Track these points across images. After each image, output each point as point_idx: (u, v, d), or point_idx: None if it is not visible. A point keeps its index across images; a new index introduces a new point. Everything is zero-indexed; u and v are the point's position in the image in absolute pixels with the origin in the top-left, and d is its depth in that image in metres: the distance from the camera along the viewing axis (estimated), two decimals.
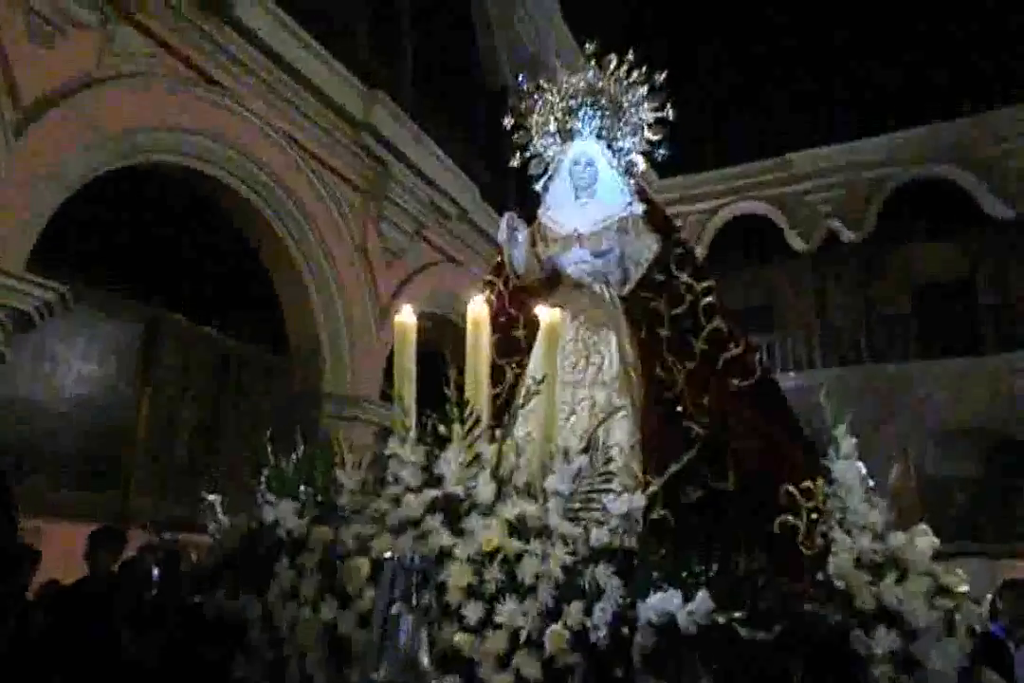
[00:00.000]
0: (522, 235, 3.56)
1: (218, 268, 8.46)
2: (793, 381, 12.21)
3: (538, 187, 3.96)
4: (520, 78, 4.32)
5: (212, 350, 8.96)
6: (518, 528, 2.12)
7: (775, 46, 13.34)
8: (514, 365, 3.63)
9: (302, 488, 2.61)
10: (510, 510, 2.15)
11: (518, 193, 9.08)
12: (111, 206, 6.85)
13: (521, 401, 2.56)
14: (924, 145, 13.27)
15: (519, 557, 2.04)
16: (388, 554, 1.83)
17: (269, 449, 2.84)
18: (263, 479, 2.74)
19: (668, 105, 3.77)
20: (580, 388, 3.32)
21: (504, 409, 3.30)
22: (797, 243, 14.16)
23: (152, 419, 7.79)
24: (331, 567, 2.22)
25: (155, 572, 4.08)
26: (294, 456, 2.81)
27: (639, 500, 2.16)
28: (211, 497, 2.86)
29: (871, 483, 2.54)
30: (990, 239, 13.35)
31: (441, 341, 8.39)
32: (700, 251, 14.23)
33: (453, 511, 2.19)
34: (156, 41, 5.89)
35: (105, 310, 7.49)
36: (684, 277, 3.59)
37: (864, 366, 13.00)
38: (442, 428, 2.37)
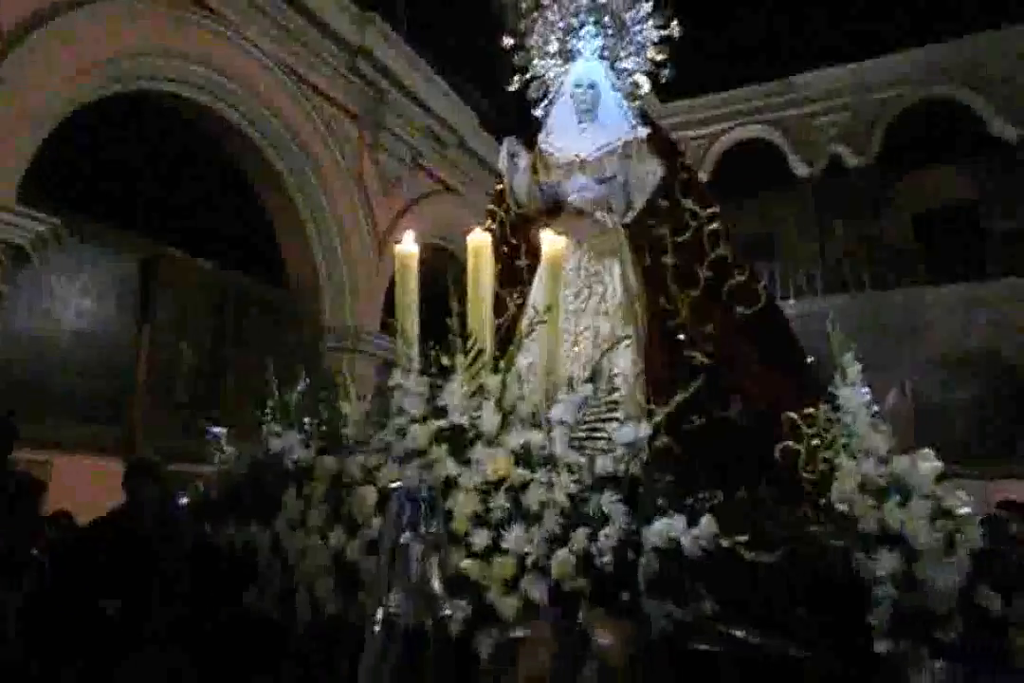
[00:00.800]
0: (523, 162, 3.46)
1: (215, 200, 8.30)
2: (795, 309, 12.16)
3: (538, 112, 3.84)
4: None
5: (212, 284, 8.88)
6: (523, 457, 2.12)
7: None
8: (516, 295, 3.59)
9: (307, 420, 2.62)
10: (515, 439, 2.15)
11: (518, 120, 8.83)
12: (104, 137, 6.67)
13: (524, 331, 2.53)
14: (931, 65, 12.82)
15: (525, 485, 2.05)
16: (395, 484, 1.83)
17: (273, 382, 2.84)
18: (268, 411, 2.75)
19: (673, 23, 3.61)
20: (583, 317, 3.29)
21: (507, 339, 3.28)
22: (800, 169, 13.86)
23: (153, 354, 7.78)
24: (338, 496, 2.24)
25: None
26: (298, 388, 2.80)
27: (644, 429, 2.16)
28: (216, 429, 2.88)
29: (875, 409, 2.54)
30: (996, 162, 13.06)
31: (441, 271, 8.34)
32: (703, 176, 13.95)
33: (458, 441, 2.19)
34: None
35: (102, 244, 7.37)
36: (688, 203, 3.52)
37: (868, 293, 12.92)
38: (445, 359, 2.35)
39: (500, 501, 2.03)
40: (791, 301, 12.85)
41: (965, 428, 13.56)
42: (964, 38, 12.53)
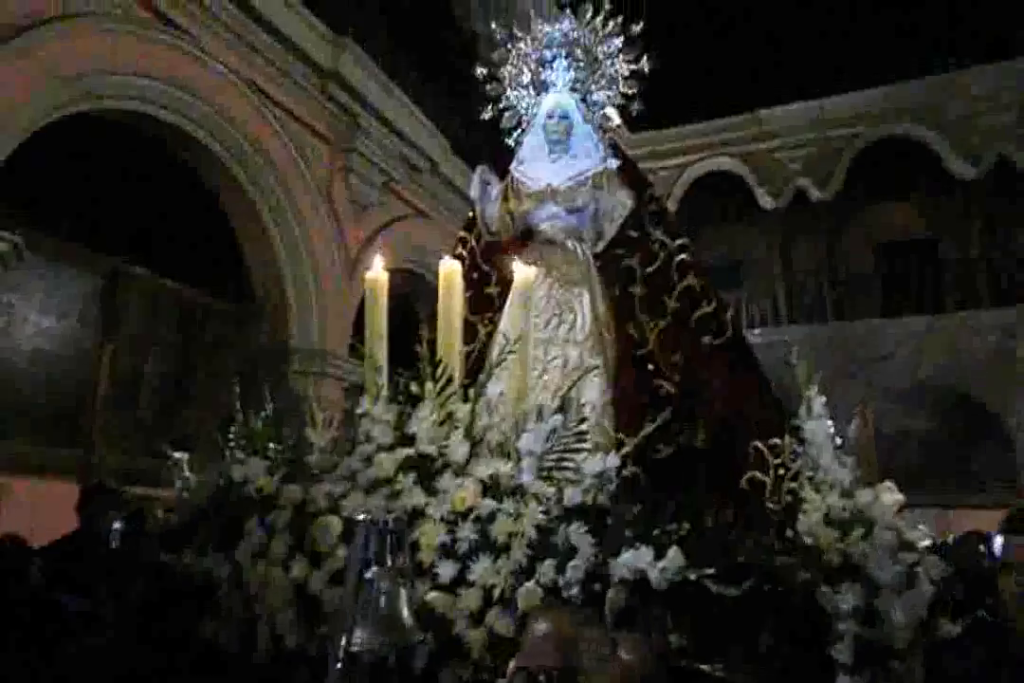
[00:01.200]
0: (495, 190, 3.49)
1: (182, 219, 8.23)
2: (760, 337, 12.36)
3: (511, 141, 3.88)
4: (493, 25, 4.19)
5: (176, 303, 8.77)
6: (491, 487, 2.11)
7: (747, 2, 13.13)
8: (486, 321, 3.60)
9: (272, 446, 2.58)
10: (483, 469, 2.14)
11: (490, 146, 8.92)
12: (70, 154, 6.59)
13: (494, 360, 2.53)
14: (892, 103, 13.24)
15: (492, 516, 2.04)
16: (361, 516, 1.81)
17: (238, 406, 2.80)
18: (232, 436, 2.70)
19: (644, 57, 3.69)
20: (552, 346, 3.30)
21: (476, 366, 3.28)
22: (766, 201, 14.16)
23: (115, 374, 7.64)
24: (302, 525, 2.20)
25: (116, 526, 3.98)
26: (263, 413, 2.76)
27: (613, 460, 2.16)
28: (177, 454, 2.82)
29: (839, 441, 2.58)
30: (953, 199, 13.48)
31: (412, 296, 8.32)
32: (671, 207, 14.18)
33: (426, 470, 2.18)
34: None
35: (64, 261, 7.26)
36: (658, 234, 3.57)
37: (829, 323, 13.17)
38: (414, 387, 2.34)
39: (467, 532, 2.01)
40: (756, 329, 13.05)
41: (922, 456, 13.80)
42: (923, 79, 12.97)
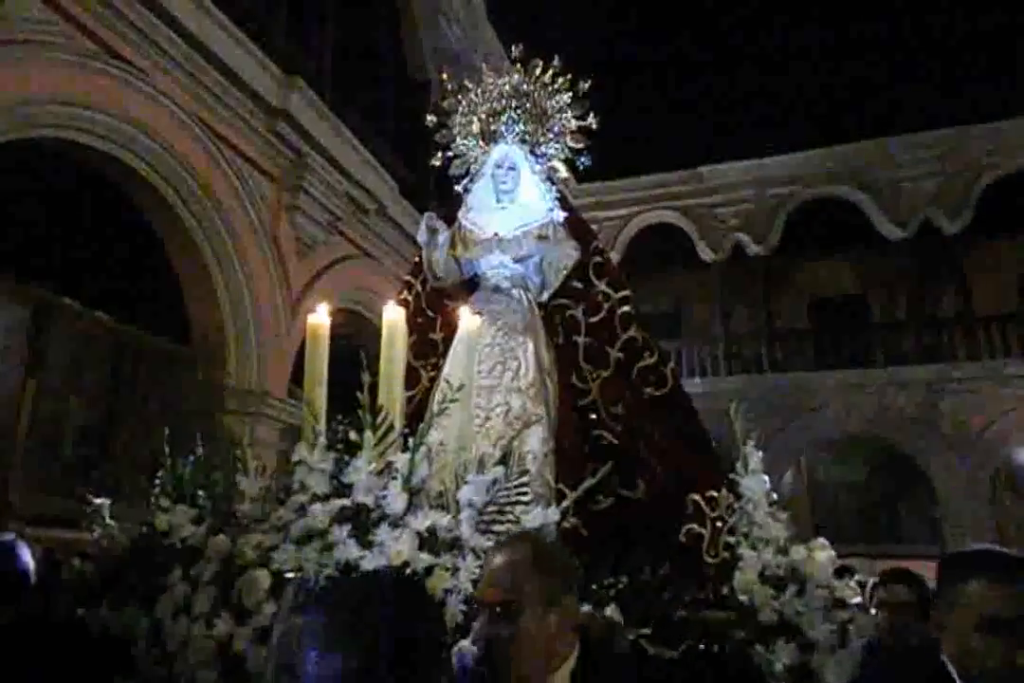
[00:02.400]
0: (442, 237, 3.50)
1: (119, 252, 8.04)
2: (698, 387, 12.56)
3: (459, 188, 3.92)
4: (444, 74, 4.27)
5: (109, 338, 8.50)
6: (429, 540, 2.06)
7: (692, 65, 13.73)
8: (430, 367, 3.58)
9: (200, 493, 2.49)
10: (421, 522, 2.09)
11: (438, 190, 9.00)
12: (1, 182, 6.41)
13: (436, 409, 2.50)
14: (825, 166, 13.87)
15: (429, 571, 1.98)
16: (290, 574, 1.74)
17: (167, 449, 2.70)
18: (158, 482, 2.60)
19: (591, 113, 3.79)
20: (495, 393, 3.29)
21: (418, 412, 3.25)
22: (706, 253, 14.55)
23: (38, 411, 7.31)
24: (228, 579, 2.11)
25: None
26: (192, 458, 2.67)
27: (553, 514, 2.14)
28: (98, 500, 2.69)
29: (775, 496, 2.61)
30: (881, 258, 14.09)
31: (354, 337, 8.23)
32: (614, 256, 14.45)
33: (361, 522, 2.11)
34: (55, 8, 5.51)
35: None
36: (602, 286, 3.62)
37: (765, 375, 13.47)
38: (353, 435, 2.29)
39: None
40: (696, 379, 13.26)
41: (852, 506, 14.10)
42: (854, 144, 13.63)
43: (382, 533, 2.07)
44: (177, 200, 6.74)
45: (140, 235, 7.30)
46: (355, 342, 7.58)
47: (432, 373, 3.54)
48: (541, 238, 3.49)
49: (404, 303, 3.75)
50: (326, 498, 2.18)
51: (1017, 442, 12.52)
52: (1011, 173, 12.85)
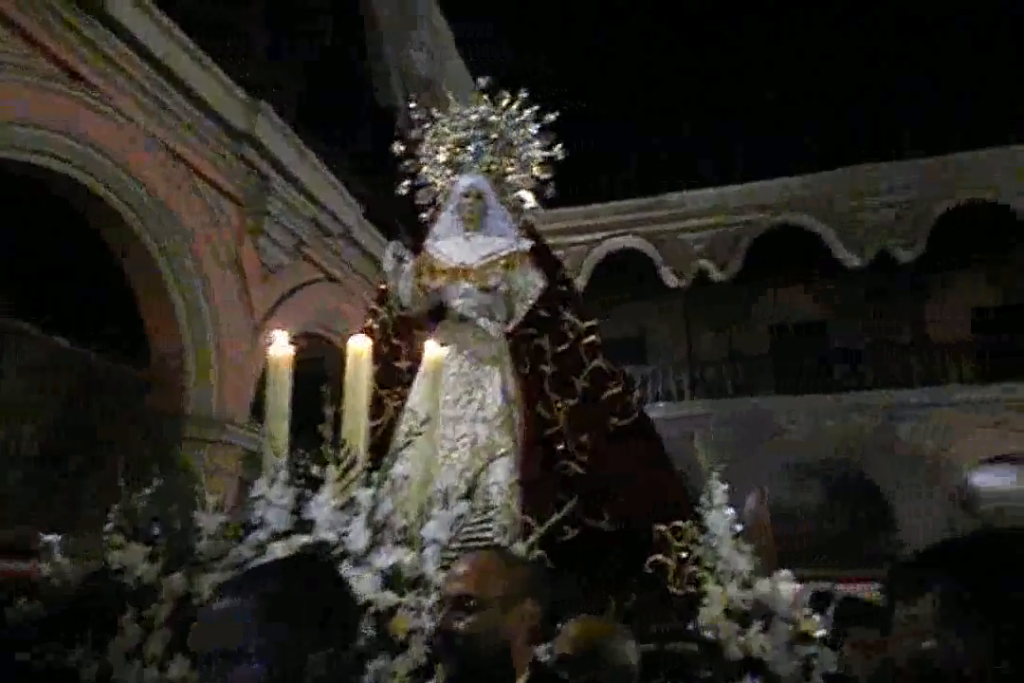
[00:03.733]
0: (408, 266, 3.49)
1: (78, 276, 7.88)
2: (663, 411, 12.62)
3: (425, 216, 3.92)
4: (411, 100, 4.29)
5: (64, 363, 8.31)
6: (392, 579, 2.02)
7: (658, 93, 13.98)
8: (396, 396, 3.55)
9: (155, 530, 2.41)
10: (384, 560, 2.05)
11: (403, 215, 8.99)
12: None
13: (401, 442, 2.47)
14: (787, 195, 14.18)
15: (392, 611, 1.94)
16: None
17: (121, 481, 2.62)
18: (112, 516, 2.52)
19: (557, 144, 3.83)
20: (461, 424, 3.27)
21: (383, 441, 3.21)
22: (670, 279, 14.72)
23: None
24: (184, 621, 2.04)
25: None
26: (148, 490, 2.59)
27: (519, 551, 2.11)
28: (48, 537, 2.60)
29: (739, 527, 2.61)
30: (841, 286, 14.38)
31: (318, 362, 8.14)
32: (580, 281, 14.55)
33: (324, 559, 2.06)
34: (15, 30, 5.44)
35: None
36: (568, 315, 3.64)
37: (729, 400, 13.59)
38: (316, 469, 2.25)
39: (364, 628, 1.90)
40: (660, 404, 13.33)
41: (815, 531, 14.21)
42: (814, 174, 13.96)
43: (344, 571, 2.03)
44: (138, 223, 6.64)
45: (99, 259, 7.17)
46: (319, 367, 7.52)
47: (398, 402, 3.51)
48: (507, 267, 3.50)
49: (369, 331, 3.72)
50: (287, 535, 2.13)
51: (972, 466, 12.76)
52: (962, 205, 13.24)
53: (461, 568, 1.52)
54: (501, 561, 1.56)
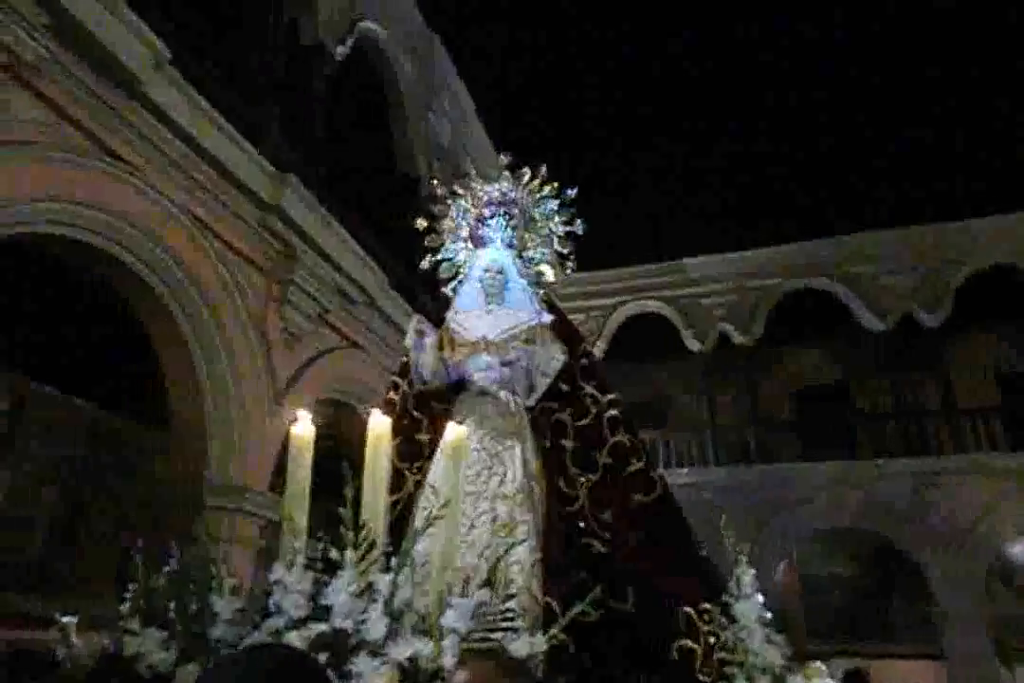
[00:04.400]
0: (429, 340, 3.51)
1: (104, 341, 8.02)
2: (685, 477, 12.41)
3: (447, 290, 3.96)
4: (435, 180, 4.40)
5: (86, 426, 8.36)
6: (410, 671, 1.95)
7: (676, 160, 14.27)
8: (415, 470, 3.51)
9: (171, 613, 2.37)
10: (402, 650, 1.98)
11: (426, 284, 9.11)
12: None
13: (421, 524, 2.43)
14: (806, 259, 14.25)
15: None
16: None
17: (138, 558, 2.59)
18: (127, 599, 2.48)
19: (577, 220, 3.89)
20: (482, 500, 3.21)
21: (402, 517, 3.16)
22: (692, 343, 14.69)
23: (9, 504, 7.11)
24: None
25: None
26: (167, 569, 2.55)
27: (540, 643, 2.04)
28: (65, 619, 2.56)
29: (769, 615, 2.52)
30: (863, 349, 14.28)
31: (339, 427, 8.13)
32: (601, 345, 14.57)
33: (339, 649, 2.01)
34: (55, 110, 5.68)
35: None
36: (589, 388, 3.61)
37: (751, 466, 13.36)
38: (334, 553, 2.21)
39: None
40: (683, 469, 13.13)
41: (845, 602, 13.73)
42: (833, 238, 14.05)
43: (360, 663, 1.97)
44: (165, 290, 6.77)
45: (126, 325, 7.30)
46: (341, 433, 7.51)
47: (417, 476, 3.48)
48: (528, 341, 3.51)
49: (390, 403, 3.73)
50: (303, 622, 2.08)
51: (1008, 536, 12.35)
52: (985, 269, 13.22)
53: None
54: (500, 670, 1.47)
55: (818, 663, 2.31)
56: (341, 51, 9.86)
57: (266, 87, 8.44)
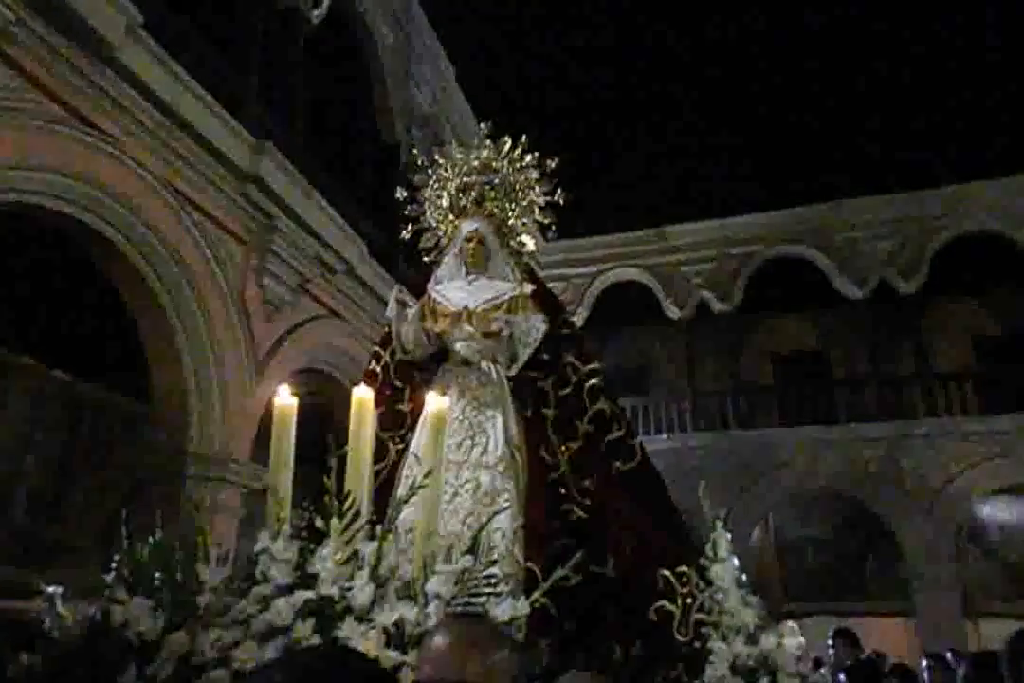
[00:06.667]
0: (411, 311, 3.52)
1: (82, 311, 7.94)
2: (665, 443, 12.58)
3: (428, 259, 3.96)
4: (414, 149, 4.36)
5: (65, 398, 8.32)
6: (395, 636, 2.01)
7: (656, 127, 14.18)
8: (397, 439, 3.54)
9: (158, 581, 2.39)
10: (388, 616, 2.04)
11: (406, 253, 9.08)
12: None
13: (404, 493, 2.47)
14: (785, 226, 14.29)
15: (396, 669, 1.93)
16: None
17: (124, 527, 2.61)
18: (114, 567, 2.50)
19: (558, 189, 3.88)
20: (464, 469, 3.26)
21: (385, 487, 3.20)
22: (672, 310, 14.77)
23: None
24: (186, 678, 2.03)
25: None
26: (151, 539, 2.58)
27: (523, 606, 2.10)
28: (51, 588, 2.58)
29: (744, 577, 2.59)
30: (841, 316, 14.42)
31: (321, 396, 8.15)
32: (582, 312, 14.61)
33: (326, 616, 2.06)
34: (26, 77, 5.55)
35: None
36: (570, 358, 3.64)
37: (731, 431, 13.55)
38: (319, 522, 2.24)
39: None
40: (663, 435, 13.29)
41: (821, 563, 14.07)
42: (812, 206, 14.08)
43: (347, 628, 2.02)
44: (142, 261, 6.70)
45: (104, 295, 7.23)
46: (322, 402, 7.52)
47: (399, 445, 3.51)
48: (510, 311, 3.53)
49: (372, 374, 3.74)
50: (290, 590, 2.12)
51: (978, 498, 12.67)
52: (961, 235, 13.33)
53: (435, 650, 1.47)
54: (475, 636, 1.51)
55: (791, 622, 2.39)
56: (317, 14, 9.64)
57: (243, 53, 8.27)
